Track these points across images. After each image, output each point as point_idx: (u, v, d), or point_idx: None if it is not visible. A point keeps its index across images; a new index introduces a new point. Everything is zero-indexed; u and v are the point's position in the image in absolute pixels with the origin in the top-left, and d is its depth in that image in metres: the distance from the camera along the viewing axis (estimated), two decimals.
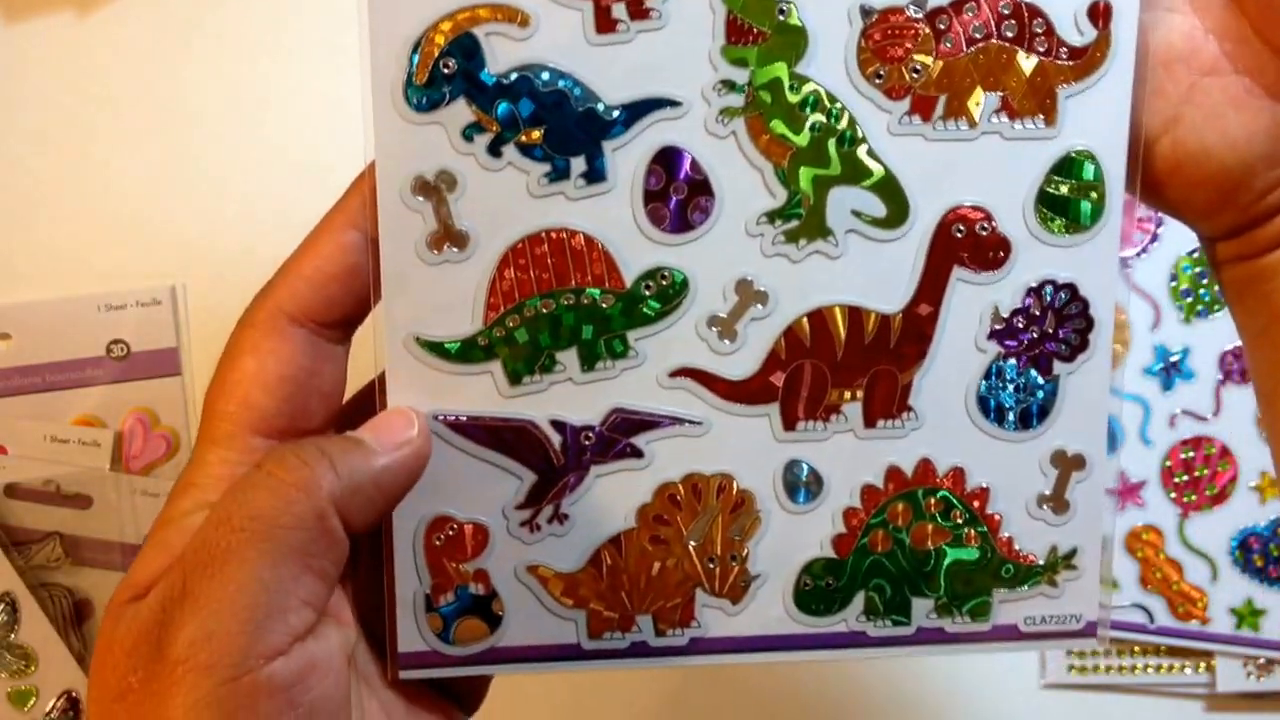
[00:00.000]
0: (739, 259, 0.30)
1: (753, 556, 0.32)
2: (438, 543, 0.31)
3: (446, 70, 0.29)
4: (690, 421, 0.31)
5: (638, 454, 0.31)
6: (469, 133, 0.30)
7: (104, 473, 0.59)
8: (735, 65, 0.29)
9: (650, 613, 0.32)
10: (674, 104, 0.29)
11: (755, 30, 0.29)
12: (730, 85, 0.29)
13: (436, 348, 0.30)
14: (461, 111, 0.29)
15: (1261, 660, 0.55)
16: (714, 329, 0.31)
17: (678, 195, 0.30)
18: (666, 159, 0.29)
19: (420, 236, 0.30)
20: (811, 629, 0.32)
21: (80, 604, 0.59)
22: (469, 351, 0.30)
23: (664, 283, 0.30)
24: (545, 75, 0.29)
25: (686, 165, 0.30)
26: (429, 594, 0.31)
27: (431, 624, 0.31)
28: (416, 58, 0.30)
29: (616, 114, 0.29)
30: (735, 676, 0.58)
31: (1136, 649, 0.56)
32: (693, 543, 0.32)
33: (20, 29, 0.61)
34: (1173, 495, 0.56)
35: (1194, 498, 0.56)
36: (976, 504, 0.32)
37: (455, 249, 0.30)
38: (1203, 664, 0.56)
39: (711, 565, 0.32)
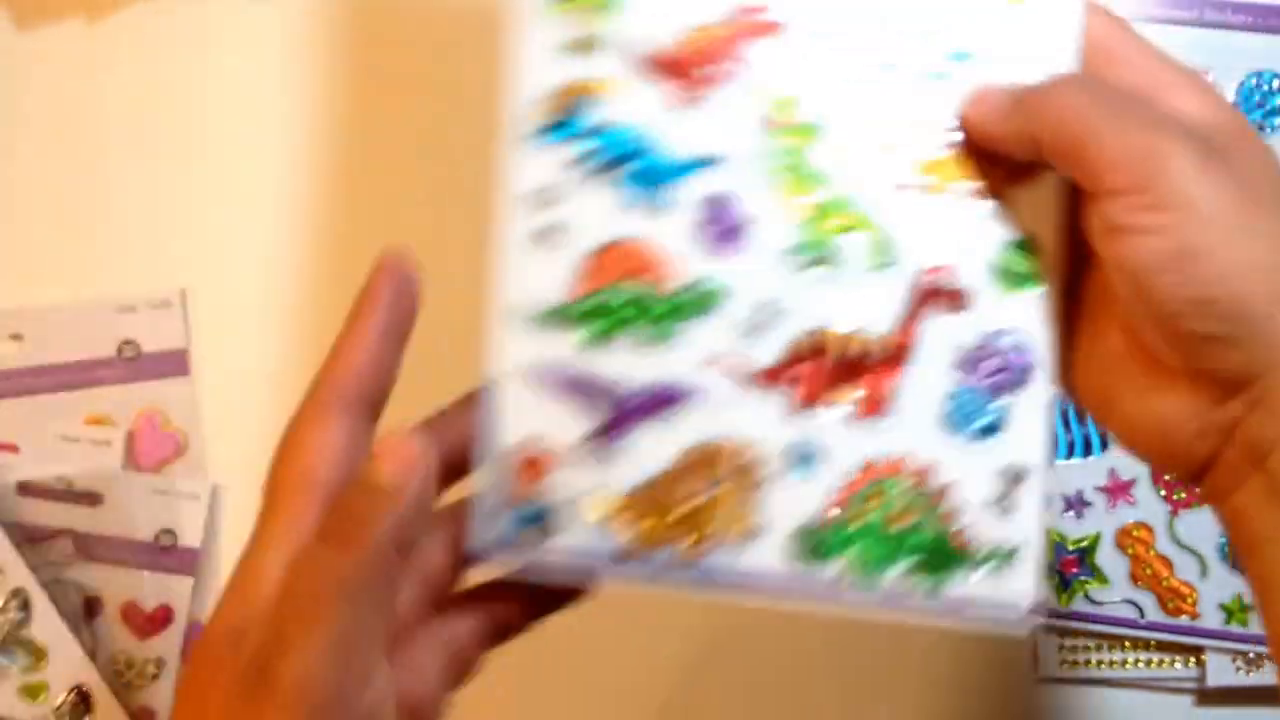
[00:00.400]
0: (766, 279, 0.40)
1: (758, 511, 0.40)
2: (514, 464, 0.40)
3: (561, 118, 0.40)
4: (718, 395, 0.40)
5: (675, 414, 0.40)
6: (572, 165, 0.40)
7: (115, 471, 0.60)
8: (771, 138, 0.40)
9: (674, 544, 0.40)
10: (723, 160, 0.40)
11: (786, 122, 0.40)
12: (767, 152, 0.40)
13: (533, 314, 0.40)
14: (569, 148, 0.40)
15: (1250, 655, 0.56)
16: (745, 327, 0.40)
17: (722, 225, 0.40)
18: (717, 198, 0.40)
19: (528, 230, 0.40)
20: (799, 576, 0.40)
21: (90, 600, 0.60)
22: (556, 318, 0.40)
23: (707, 288, 0.40)
24: (631, 130, 0.40)
25: (731, 205, 0.40)
26: (501, 505, 0.39)
27: (499, 530, 0.39)
28: (540, 107, 0.40)
29: (682, 162, 0.40)
30: (728, 673, 0.59)
31: (1127, 644, 0.57)
32: (712, 492, 0.40)
33: (30, 35, 0.62)
34: (1163, 493, 0.57)
35: (1183, 495, 0.57)
36: (938, 498, 0.39)
37: (553, 241, 0.40)
38: (1192, 659, 0.57)
39: (727, 509, 0.40)
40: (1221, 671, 0.56)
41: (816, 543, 0.39)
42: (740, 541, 0.40)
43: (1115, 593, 0.56)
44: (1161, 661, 0.57)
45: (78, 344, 0.60)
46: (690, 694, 0.59)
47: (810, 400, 0.40)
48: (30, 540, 0.59)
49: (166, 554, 0.60)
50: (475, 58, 0.60)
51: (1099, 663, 0.57)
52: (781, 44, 0.40)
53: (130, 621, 0.60)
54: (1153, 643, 0.57)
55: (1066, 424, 0.56)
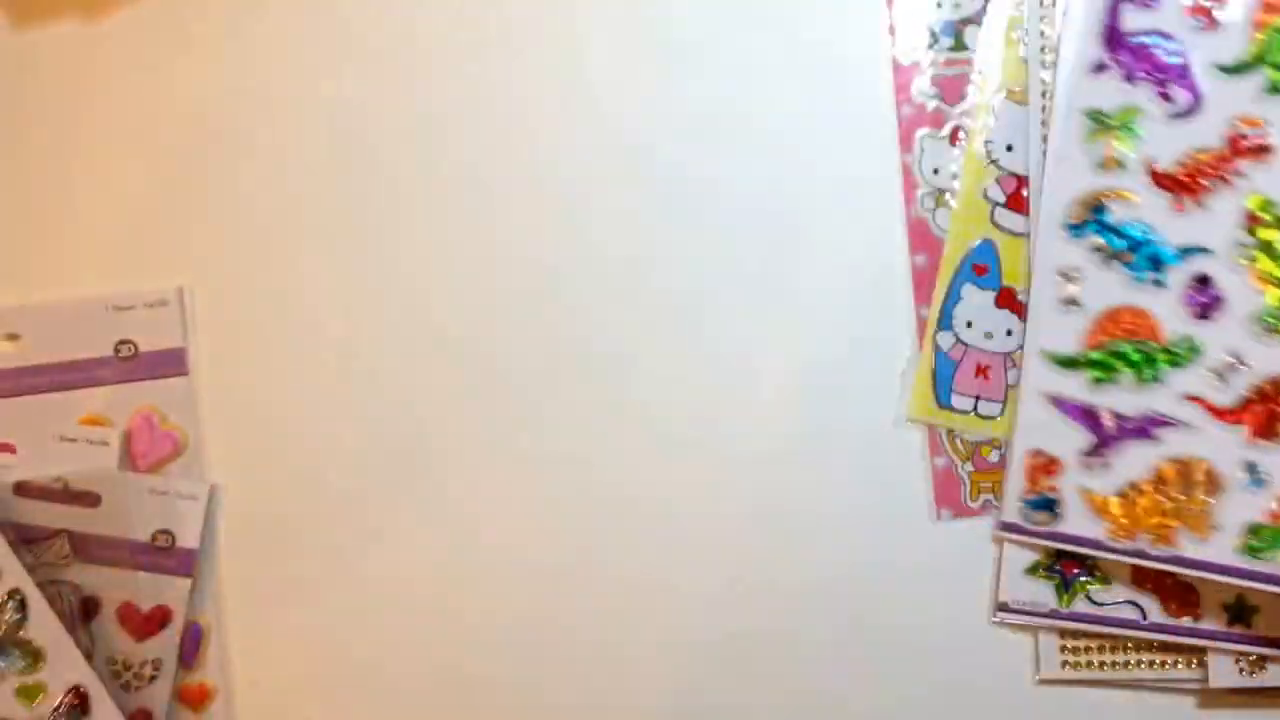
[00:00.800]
0: (1234, 339, 0.53)
1: (1214, 513, 0.53)
2: (1033, 462, 0.55)
3: (1088, 218, 0.54)
4: (1191, 425, 0.53)
5: (1156, 437, 0.53)
6: (1095, 250, 0.54)
7: (112, 471, 0.59)
8: (1247, 235, 0.53)
9: (1149, 532, 0.53)
10: (1209, 250, 0.53)
11: (1262, 219, 0.52)
12: (1245, 243, 0.53)
13: (1055, 357, 0.54)
14: (1092, 239, 0.54)
15: (1253, 656, 0.56)
16: (1214, 376, 0.53)
17: (1203, 298, 0.53)
18: (1201, 277, 0.53)
19: (1057, 298, 0.54)
20: (1247, 565, 0.52)
21: (88, 600, 0.60)
22: (1072, 362, 0.54)
23: (1188, 345, 0.53)
24: (1140, 227, 0.54)
25: (1212, 283, 0.53)
26: (1023, 492, 0.55)
27: (1021, 510, 0.55)
28: (1073, 208, 0.54)
29: (1177, 252, 0.53)
30: (730, 674, 0.59)
31: (1130, 645, 0.57)
32: (1181, 497, 0.53)
33: (27, 34, 0.62)
34: None
35: None
36: None
37: (1073, 308, 0.54)
38: (1195, 660, 0.56)
39: (1191, 512, 0.53)
40: (1224, 673, 0.56)
41: (1261, 538, 0.52)
42: (1201, 536, 0.53)
43: (1118, 593, 0.56)
44: (1164, 663, 0.57)
45: (74, 343, 0.60)
46: (691, 693, 0.59)
47: (1261, 434, 0.53)
48: (27, 541, 0.59)
49: (164, 555, 0.59)
50: (472, 56, 0.60)
51: (1101, 664, 0.57)
52: (1269, 162, 0.53)
53: (127, 622, 0.59)
54: (1155, 644, 0.57)
55: None
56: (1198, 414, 0.53)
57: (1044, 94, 0.56)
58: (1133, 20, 0.54)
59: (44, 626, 0.57)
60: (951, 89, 0.58)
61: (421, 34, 0.60)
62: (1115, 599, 0.56)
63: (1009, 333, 0.58)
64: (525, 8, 0.60)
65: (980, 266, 0.58)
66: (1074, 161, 0.54)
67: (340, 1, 0.61)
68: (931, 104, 0.58)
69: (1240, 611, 0.56)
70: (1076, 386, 0.54)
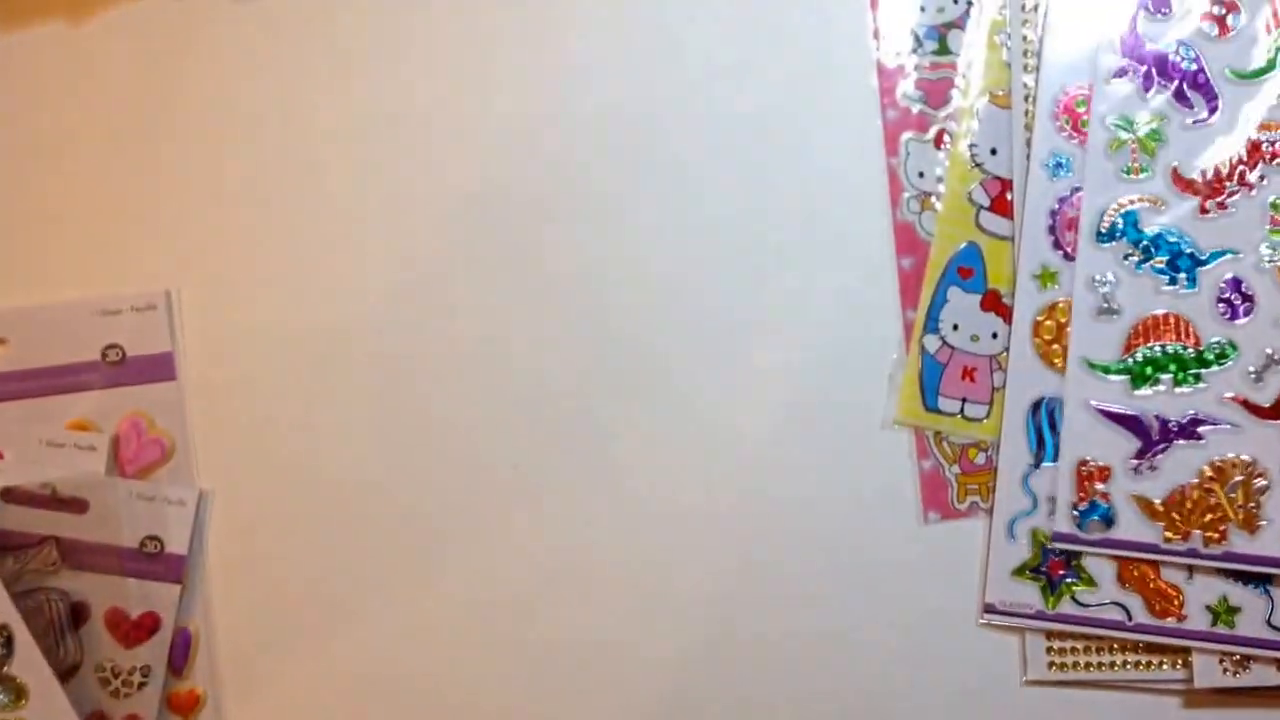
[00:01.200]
0: (1268, 338, 0.54)
1: (1262, 508, 0.54)
2: (1083, 472, 0.55)
3: (1119, 225, 0.55)
4: (1233, 424, 0.54)
5: (1200, 438, 0.55)
6: (1126, 257, 0.55)
7: (100, 477, 0.59)
8: (1273, 236, 0.54)
9: (1200, 531, 0.54)
10: (1236, 252, 0.55)
11: None
12: (1272, 248, 0.54)
13: (1094, 365, 0.55)
14: (1124, 246, 0.55)
15: (1237, 656, 0.56)
16: (1251, 375, 0.54)
17: (1234, 298, 0.55)
18: (1233, 281, 0.54)
19: (1093, 307, 0.55)
20: None
21: (76, 607, 0.59)
22: (1112, 369, 0.55)
23: (1225, 347, 0.54)
24: (1172, 234, 0.55)
25: (1243, 284, 0.54)
26: (1074, 501, 0.55)
27: (1073, 519, 0.55)
28: (1104, 217, 0.55)
29: (1206, 255, 0.55)
30: (722, 678, 0.59)
31: (1115, 646, 0.57)
32: (1227, 496, 0.54)
33: (12, 38, 0.61)
34: None
35: None
36: None
37: (1109, 316, 0.55)
38: (1180, 660, 0.57)
39: (1239, 509, 0.54)
40: (1209, 673, 0.56)
41: None
42: (1250, 532, 0.54)
43: (1103, 595, 0.56)
44: (1149, 663, 0.57)
45: (61, 348, 0.60)
46: (679, 695, 0.59)
47: None
48: (14, 547, 0.59)
49: (153, 561, 0.59)
50: (458, 62, 0.60)
51: (1087, 665, 0.57)
52: None
53: (116, 629, 0.59)
54: (1140, 645, 0.57)
55: (1054, 427, 0.56)
56: (1239, 413, 0.54)
57: (1027, 98, 0.57)
58: (1150, 28, 0.55)
59: (29, 664, 0.57)
60: (936, 93, 0.58)
61: (409, 35, 0.60)
62: (1101, 600, 0.56)
63: (994, 335, 0.58)
64: (514, 12, 0.60)
65: (966, 269, 0.58)
66: (1101, 168, 0.55)
67: (329, 4, 0.60)
68: (916, 108, 0.59)
69: (1223, 612, 0.56)
70: (1119, 393, 0.55)
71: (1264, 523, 0.54)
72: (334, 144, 0.60)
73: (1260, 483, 0.54)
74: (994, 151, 0.58)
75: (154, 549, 0.59)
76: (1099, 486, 0.55)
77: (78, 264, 0.60)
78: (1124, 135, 0.55)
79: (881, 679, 0.58)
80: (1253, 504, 0.54)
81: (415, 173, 0.60)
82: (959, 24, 0.58)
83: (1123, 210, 0.55)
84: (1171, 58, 0.55)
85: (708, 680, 0.59)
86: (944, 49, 0.58)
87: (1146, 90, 0.55)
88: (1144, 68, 0.55)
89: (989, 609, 0.57)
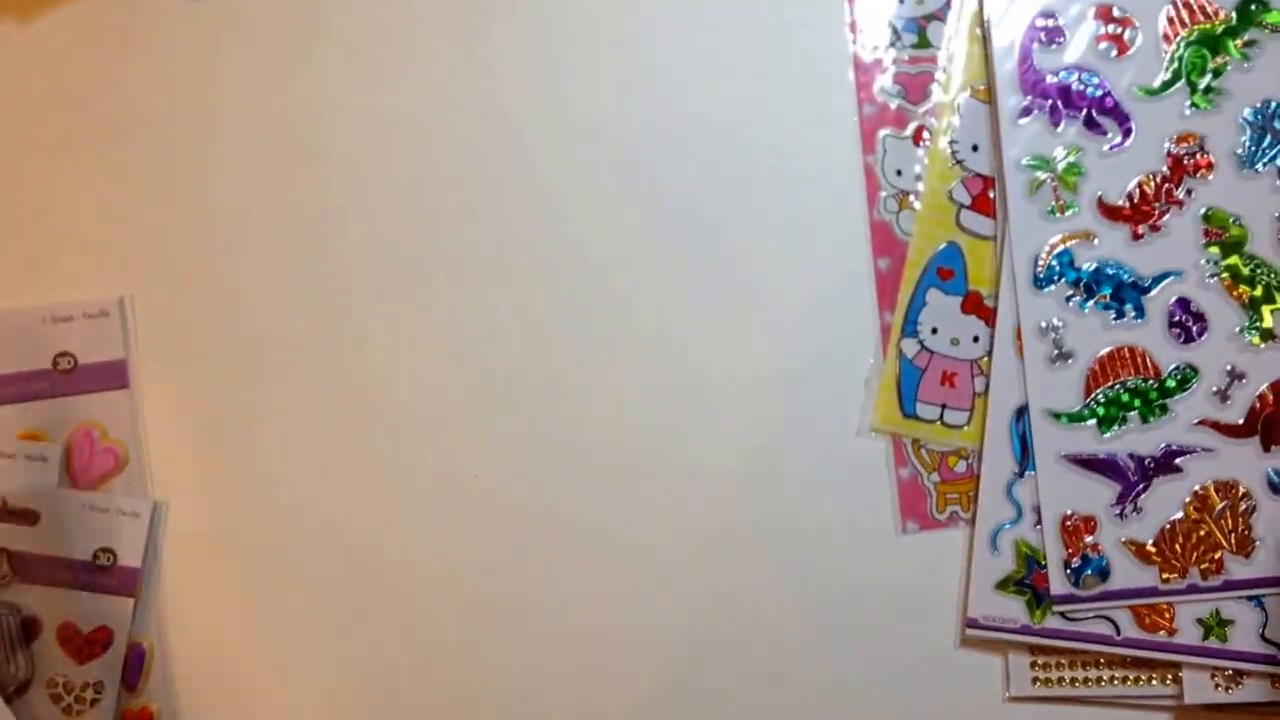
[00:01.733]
0: (1225, 355, 0.53)
1: (1253, 529, 0.54)
2: (1068, 526, 0.54)
3: (1054, 267, 0.54)
4: (1206, 449, 0.54)
5: (1178, 470, 0.54)
6: (1069, 299, 0.54)
7: (51, 488, 0.58)
8: (1211, 250, 0.53)
9: (1197, 566, 0.54)
10: (1179, 272, 0.53)
11: (1220, 231, 0.53)
12: (1212, 262, 0.53)
13: (1058, 415, 0.54)
14: (1064, 287, 0.54)
15: (1229, 671, 0.55)
16: (1215, 394, 0.53)
17: (1187, 321, 0.54)
18: (1180, 303, 0.54)
19: (1044, 355, 0.54)
20: None
21: (28, 621, 0.58)
22: (1074, 416, 0.54)
23: (1184, 371, 0.53)
24: (1110, 266, 0.54)
25: (1191, 303, 0.53)
26: (1065, 559, 0.54)
27: (1068, 578, 0.54)
28: (1037, 262, 0.54)
29: (1148, 282, 0.54)
30: (707, 693, 0.58)
31: (1102, 660, 0.56)
32: (1218, 521, 0.54)
33: None
34: None
35: None
36: None
37: (1063, 361, 0.54)
38: (1170, 675, 0.56)
39: (1230, 534, 0.54)
40: (1200, 689, 0.55)
41: None
42: (1244, 556, 0.54)
43: (1090, 608, 0.55)
44: (1138, 679, 0.56)
45: (11, 356, 0.59)
46: (656, 708, 0.58)
47: (1275, 442, 0.53)
48: None
49: (105, 574, 0.58)
50: (453, 60, 0.59)
51: (1073, 680, 0.56)
52: (1210, 174, 0.53)
53: (68, 644, 0.58)
54: (1129, 660, 0.56)
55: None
56: (1211, 436, 0.53)
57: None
58: (1045, 59, 0.54)
59: None
60: (915, 87, 0.57)
61: (366, 33, 0.59)
62: (1088, 614, 0.55)
63: (975, 339, 0.56)
64: (496, 6, 0.59)
65: (945, 271, 0.56)
66: (1025, 212, 0.54)
67: (288, 4, 0.59)
68: (894, 103, 0.57)
69: (1215, 625, 0.55)
70: (1089, 439, 0.54)
71: (1257, 542, 0.54)
72: (290, 146, 0.59)
73: (1246, 504, 0.54)
74: (975, 148, 0.56)
75: (107, 561, 0.58)
76: (1088, 539, 0.54)
77: (27, 269, 0.60)
78: (1041, 174, 0.54)
79: (859, 695, 0.57)
80: (1243, 527, 0.54)
81: (373, 176, 0.59)
82: (939, 16, 0.57)
83: (1056, 251, 0.54)
84: (1075, 86, 0.54)
85: (679, 692, 0.58)
86: (924, 42, 0.57)
87: (1055, 124, 0.54)
88: (1048, 101, 0.54)
89: (971, 624, 0.56)
